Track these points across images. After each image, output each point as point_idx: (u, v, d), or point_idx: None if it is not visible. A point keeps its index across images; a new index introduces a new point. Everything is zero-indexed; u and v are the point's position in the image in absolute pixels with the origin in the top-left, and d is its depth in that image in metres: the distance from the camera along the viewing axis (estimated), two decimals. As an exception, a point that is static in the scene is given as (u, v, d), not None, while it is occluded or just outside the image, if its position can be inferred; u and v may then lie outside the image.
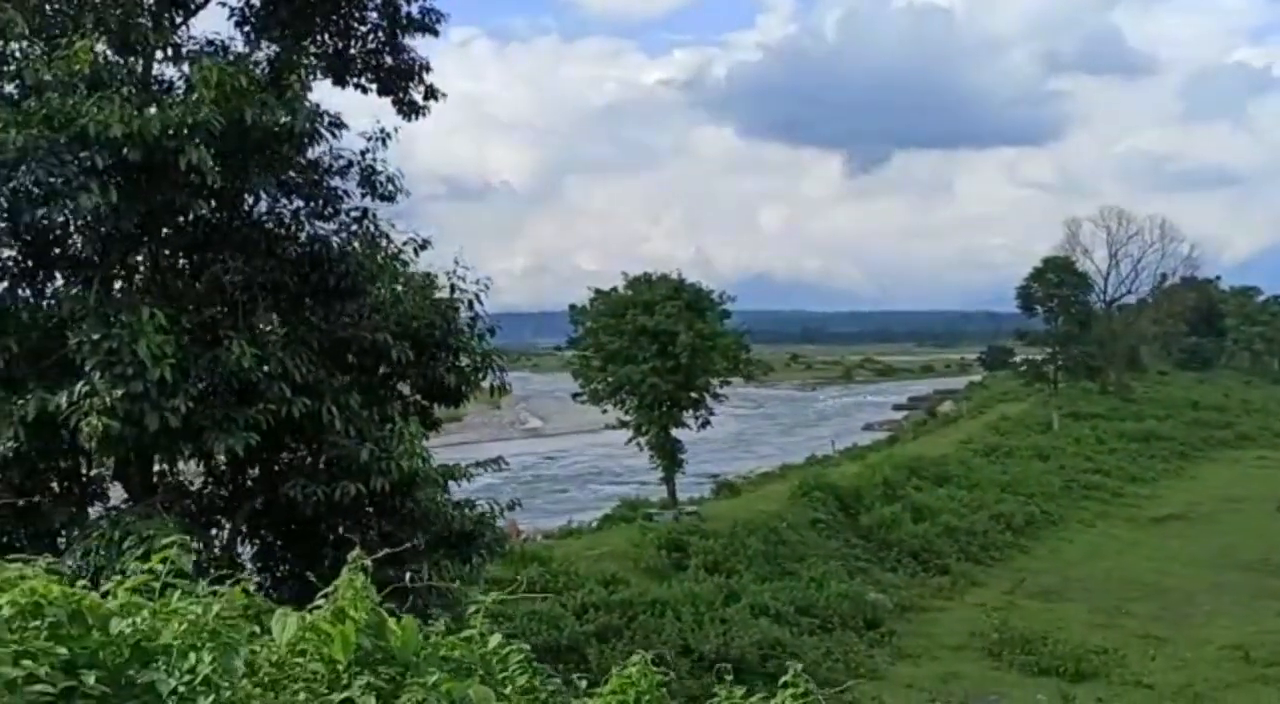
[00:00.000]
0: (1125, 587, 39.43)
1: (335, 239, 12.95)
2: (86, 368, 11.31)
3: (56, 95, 11.05)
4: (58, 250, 12.19)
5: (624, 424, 45.89)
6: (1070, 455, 66.02)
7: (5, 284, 12.25)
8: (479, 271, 14.26)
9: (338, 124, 13.86)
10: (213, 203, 12.52)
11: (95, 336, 11.45)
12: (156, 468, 13.37)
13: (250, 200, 12.89)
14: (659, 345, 43.37)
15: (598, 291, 45.37)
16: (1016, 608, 36.09)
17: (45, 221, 10.98)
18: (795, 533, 41.20)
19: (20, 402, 11.72)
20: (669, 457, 45.55)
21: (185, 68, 12.54)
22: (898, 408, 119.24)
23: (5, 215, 10.96)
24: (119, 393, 11.03)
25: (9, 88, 11.83)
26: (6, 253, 11.97)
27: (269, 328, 12.73)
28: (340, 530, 14.00)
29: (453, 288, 14.27)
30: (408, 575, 14.07)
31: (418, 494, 13.76)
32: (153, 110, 11.34)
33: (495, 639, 4.57)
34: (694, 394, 45.53)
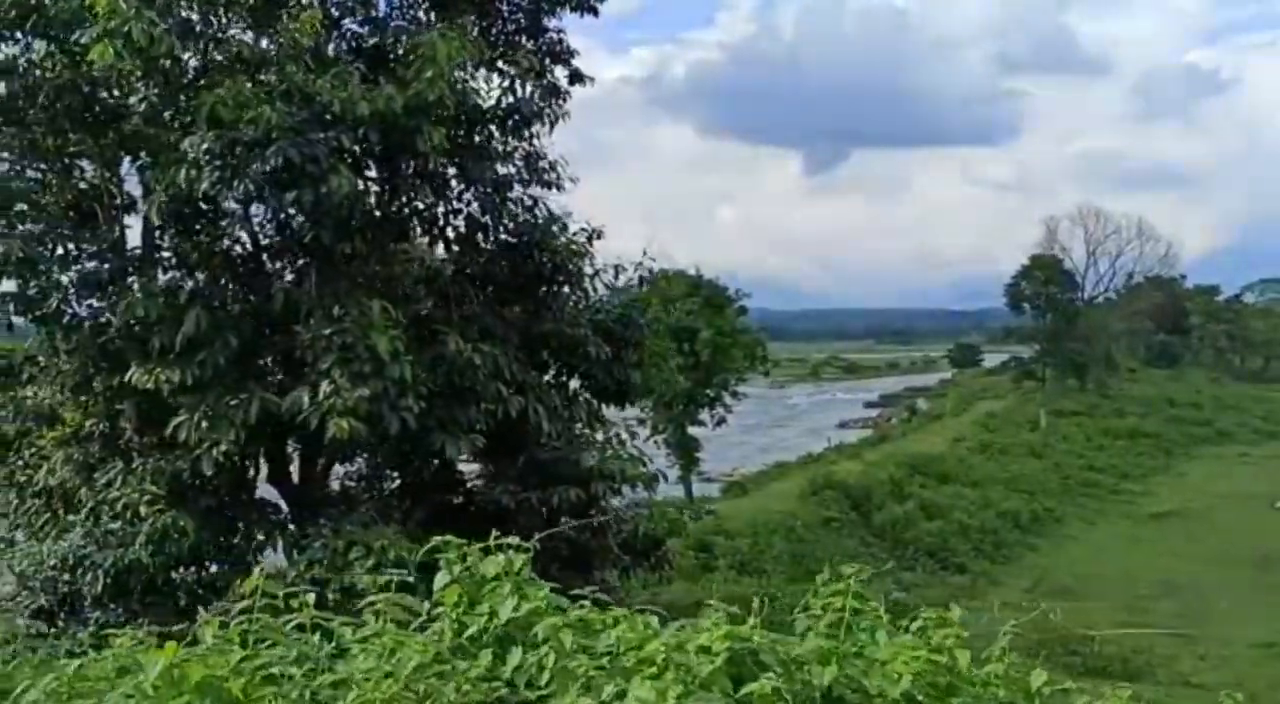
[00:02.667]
0: (1139, 584, 39.91)
1: (545, 226, 12.14)
2: (322, 366, 10.45)
3: (294, 69, 10.13)
4: (277, 239, 11.21)
5: (641, 422, 45.38)
6: (1062, 453, 66.94)
7: (228, 275, 11.29)
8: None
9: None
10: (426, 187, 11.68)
11: (326, 331, 10.58)
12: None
13: (458, 185, 12.05)
14: (678, 342, 42.92)
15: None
16: (1037, 606, 36.32)
17: (293, 207, 10.05)
18: (810, 533, 41.10)
19: (234, 402, 10.80)
20: (687, 455, 45.09)
21: (392, 41, 11.62)
22: (869, 405, 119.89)
23: (249, 200, 9.98)
24: (361, 392, 10.18)
25: (218, 57, 10.86)
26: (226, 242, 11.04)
27: (482, 322, 11.94)
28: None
29: (641, 281, 13.53)
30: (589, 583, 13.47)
31: (613, 499, 13.08)
32: (390, 87, 10.46)
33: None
34: (711, 392, 45.14)
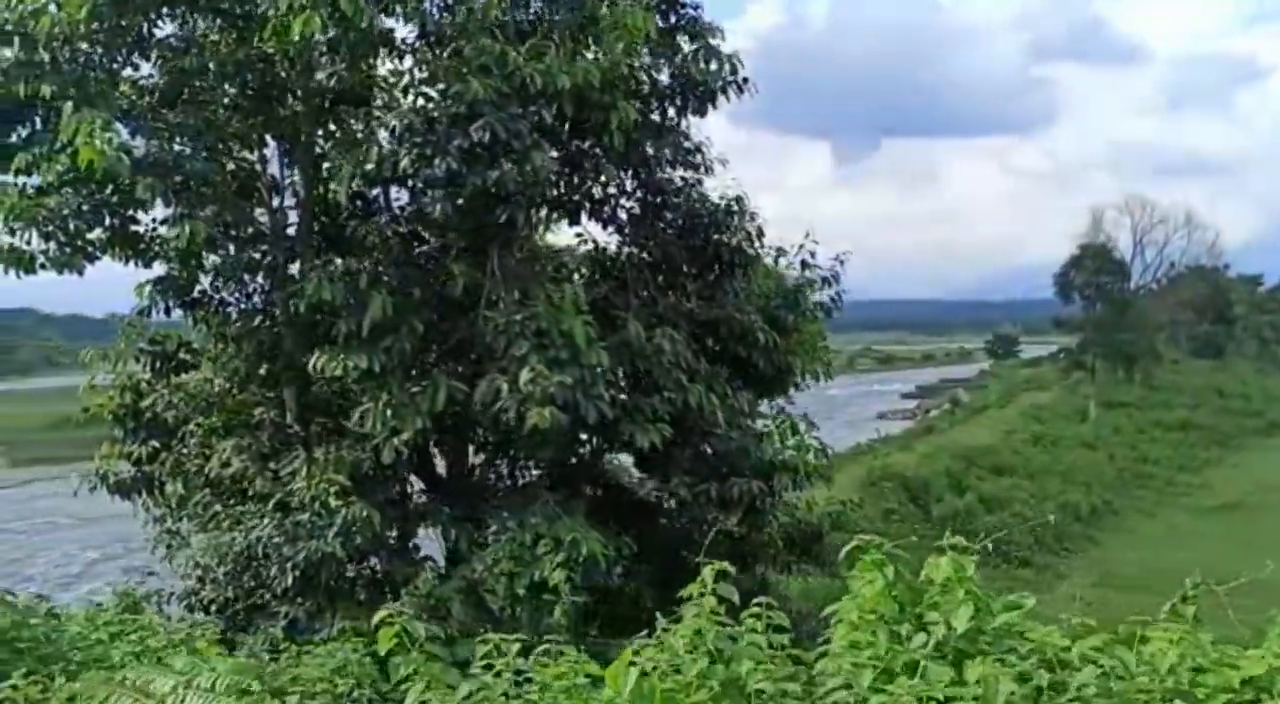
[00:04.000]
0: (1210, 579, 39.33)
1: (723, 208, 11.67)
2: (515, 352, 10.04)
3: (489, 42, 9.70)
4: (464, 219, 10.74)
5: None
6: (1115, 445, 66.27)
7: (405, 257, 10.90)
8: (827, 249, 13.01)
9: None
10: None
11: (518, 316, 10.16)
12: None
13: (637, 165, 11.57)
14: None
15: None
16: (1109, 601, 35.91)
17: (493, 186, 9.61)
18: (871, 525, 40.74)
19: (416, 390, 10.41)
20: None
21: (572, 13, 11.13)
22: (906, 396, 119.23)
23: (448, 180, 9.55)
24: (565, 379, 9.77)
25: (403, 31, 10.45)
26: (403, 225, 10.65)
27: (660, 307, 11.51)
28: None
29: (804, 265, 13.03)
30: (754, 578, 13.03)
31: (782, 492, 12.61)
32: (585, 60, 10.01)
33: None
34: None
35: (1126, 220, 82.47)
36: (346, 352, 10.31)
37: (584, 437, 12.63)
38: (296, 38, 9.19)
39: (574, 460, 12.74)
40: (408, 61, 11.30)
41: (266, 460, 11.20)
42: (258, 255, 11.68)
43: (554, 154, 10.60)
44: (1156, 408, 74.88)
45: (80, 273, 11.32)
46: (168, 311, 12.42)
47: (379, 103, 11.06)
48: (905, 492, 44.47)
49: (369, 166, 10.07)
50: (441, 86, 9.70)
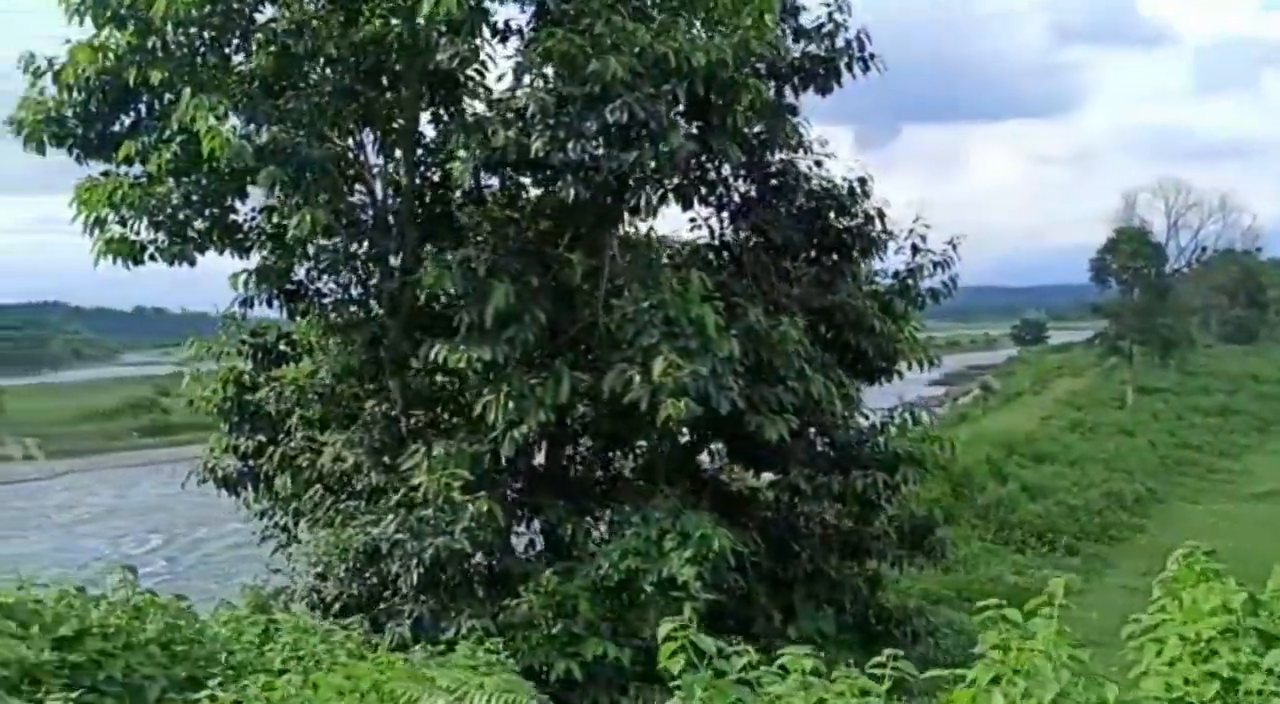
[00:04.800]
0: (1264, 569, 38.77)
1: (847, 190, 11.28)
2: (644, 342, 9.72)
3: (619, 19, 9.34)
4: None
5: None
6: (1155, 431, 65.55)
7: (519, 244, 10.57)
8: (937, 233, 12.57)
9: None
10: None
11: (645, 303, 9.83)
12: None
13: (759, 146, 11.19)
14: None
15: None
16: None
17: (631, 170, 9.27)
18: (924, 515, 40.34)
19: (537, 382, 10.10)
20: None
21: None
22: (934, 383, 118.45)
23: (580, 164, 9.22)
24: (699, 369, 9.46)
25: (509, 11, 10.11)
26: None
27: (776, 293, 11.16)
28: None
29: (914, 249, 12.62)
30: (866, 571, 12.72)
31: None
32: (717, 37, 9.63)
33: None
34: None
35: (1160, 204, 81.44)
36: (468, 343, 10.02)
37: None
38: (423, 19, 8.87)
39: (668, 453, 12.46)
40: (512, 43, 10.98)
41: (379, 455, 10.94)
42: (364, 245, 11.38)
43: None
44: (1194, 394, 74.06)
45: (191, 263, 11.08)
46: (269, 303, 12.18)
47: (499, 86, 10.70)
48: (947, 481, 44.05)
49: (493, 151, 9.74)
50: (568, 68, 9.33)
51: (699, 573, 9.87)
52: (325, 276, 12.60)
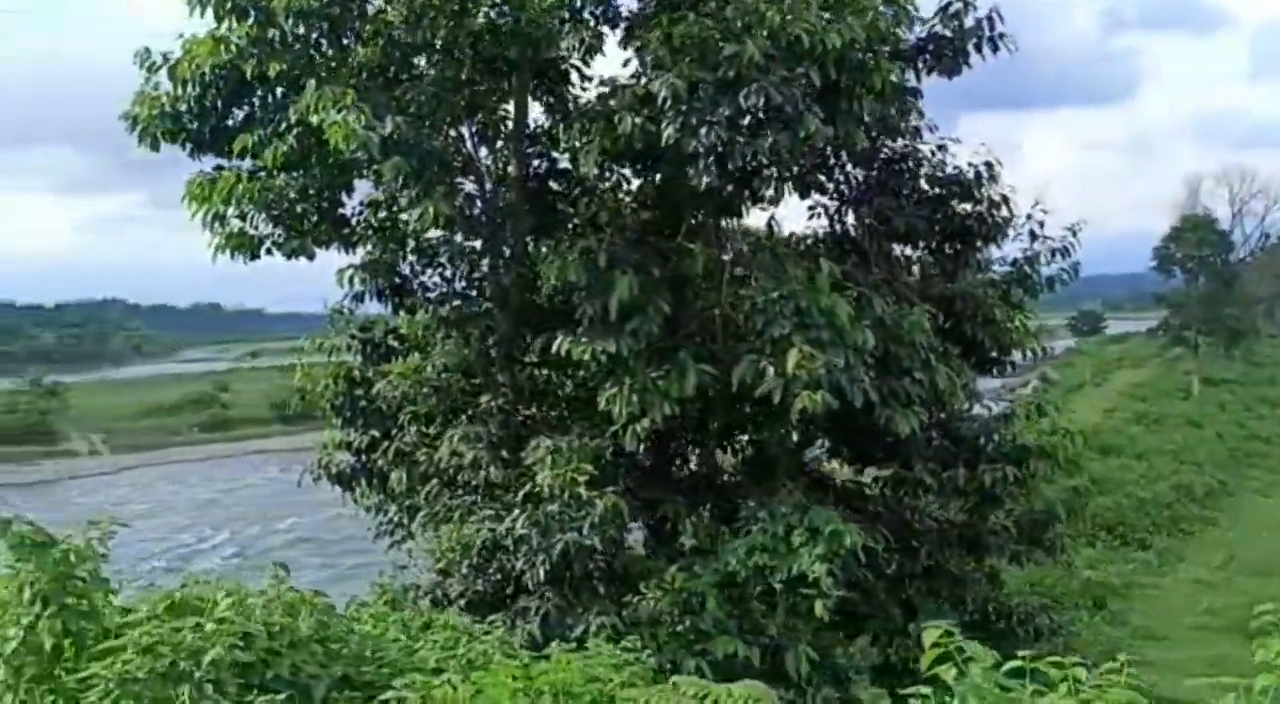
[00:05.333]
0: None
1: (975, 174, 10.91)
2: (774, 333, 9.47)
3: (751, 1, 9.07)
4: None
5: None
6: (1222, 423, 64.07)
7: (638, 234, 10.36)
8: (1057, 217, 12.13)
9: None
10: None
11: (774, 293, 9.58)
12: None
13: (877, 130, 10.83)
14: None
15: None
16: (1234, 584, 34.63)
17: (765, 156, 9.02)
18: (984, 509, 39.61)
19: (658, 375, 9.89)
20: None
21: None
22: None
23: (710, 151, 8.97)
24: (835, 361, 9.20)
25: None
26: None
27: (897, 282, 10.85)
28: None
29: (1032, 235, 12.21)
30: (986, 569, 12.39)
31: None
32: (849, 17, 9.31)
33: None
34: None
35: (1224, 191, 79.46)
36: (590, 335, 9.84)
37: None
38: (541, 8, 8.69)
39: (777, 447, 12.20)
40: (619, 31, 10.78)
41: (497, 449, 10.81)
42: (474, 237, 11.25)
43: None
44: (1260, 384, 72.28)
45: (310, 257, 11.04)
46: (379, 297, 12.13)
47: (606, 73, 10.47)
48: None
49: (617, 139, 9.54)
50: (698, 52, 9.08)
51: (830, 570, 9.61)
52: (430, 270, 12.54)
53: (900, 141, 11.06)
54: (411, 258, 12.20)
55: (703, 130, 8.86)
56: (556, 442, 10.07)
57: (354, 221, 12.04)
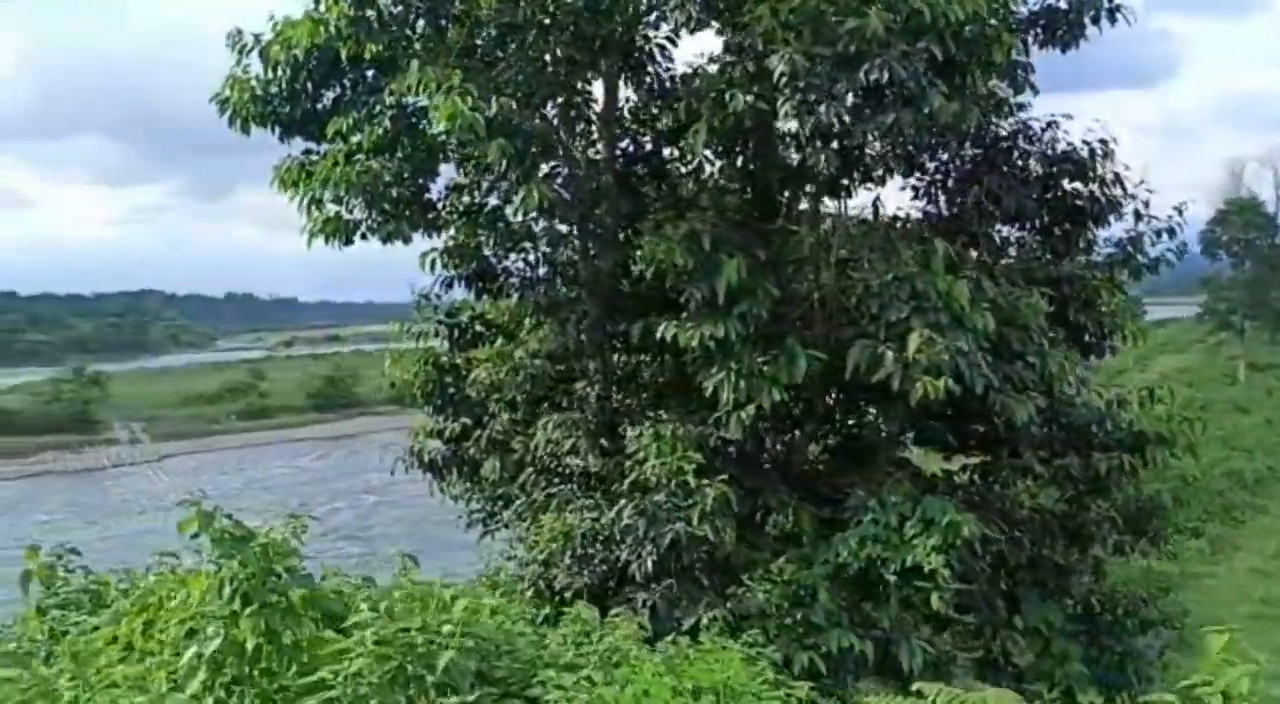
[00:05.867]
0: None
1: (1089, 152, 10.52)
2: (890, 316, 9.18)
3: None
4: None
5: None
6: (1271, 408, 62.91)
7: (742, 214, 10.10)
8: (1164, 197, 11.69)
9: None
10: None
11: (889, 276, 9.27)
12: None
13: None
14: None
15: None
16: None
17: (889, 134, 8.70)
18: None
19: (764, 360, 9.61)
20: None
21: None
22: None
23: (830, 127, 8.65)
24: (959, 345, 8.89)
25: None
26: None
27: (1004, 264, 10.51)
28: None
29: (1137, 215, 11.79)
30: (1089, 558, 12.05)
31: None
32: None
33: None
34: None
35: (1268, 174, 77.83)
36: (697, 320, 9.57)
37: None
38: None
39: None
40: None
41: (595, 437, 10.58)
42: (566, 221, 11.01)
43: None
44: (1307, 369, 70.96)
45: (406, 241, 10.85)
46: (464, 283, 11.95)
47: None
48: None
49: (727, 117, 9.24)
50: (814, 26, 8.74)
51: (948, 561, 9.33)
52: (515, 255, 12.33)
53: (1010, 118, 10.67)
54: (494, 243, 12.01)
55: (821, 107, 8.53)
56: (659, 429, 9.82)
57: (439, 206, 11.85)
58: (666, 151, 12.00)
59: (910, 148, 9.66)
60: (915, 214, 10.96)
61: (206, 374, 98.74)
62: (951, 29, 8.84)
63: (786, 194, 10.71)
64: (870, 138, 8.82)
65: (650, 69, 11.45)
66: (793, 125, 8.72)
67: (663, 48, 11.63)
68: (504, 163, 9.33)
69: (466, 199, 12.13)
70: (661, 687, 5.83)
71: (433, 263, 11.99)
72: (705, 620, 9.28)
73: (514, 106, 9.45)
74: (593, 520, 9.76)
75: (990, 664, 11.62)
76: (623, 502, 9.65)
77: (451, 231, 12.04)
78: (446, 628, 4.01)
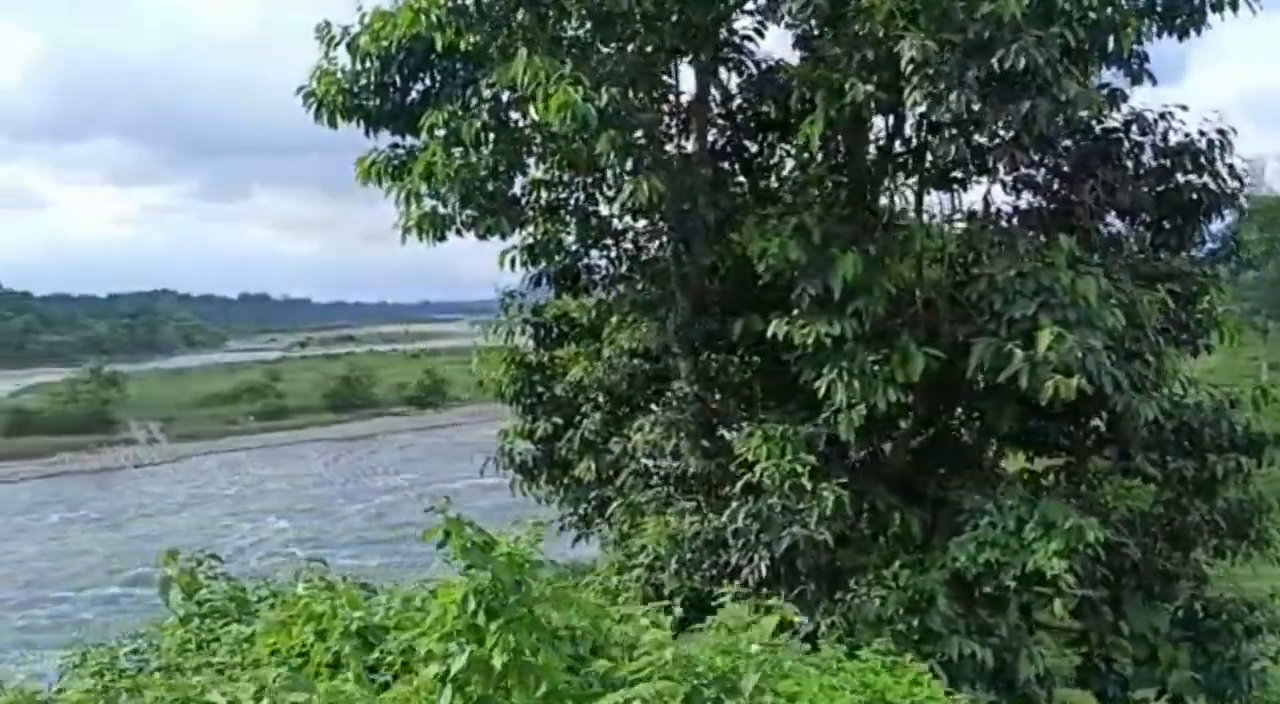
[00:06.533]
0: None
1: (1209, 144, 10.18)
2: (1015, 313, 8.87)
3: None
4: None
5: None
6: (1298, 408, 62.09)
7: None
8: None
9: None
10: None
11: (1012, 271, 8.99)
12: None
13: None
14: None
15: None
16: None
17: (1021, 124, 8.40)
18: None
19: (875, 359, 9.31)
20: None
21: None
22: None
23: (961, 115, 8.35)
24: (1091, 343, 8.59)
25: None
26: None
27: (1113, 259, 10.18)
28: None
29: (1241, 210, 11.45)
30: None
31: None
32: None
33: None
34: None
35: (1292, 169, 77.13)
36: (809, 317, 9.26)
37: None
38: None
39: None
40: None
41: (698, 439, 10.29)
42: (662, 218, 10.72)
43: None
44: (1332, 369, 70.36)
45: (504, 236, 10.59)
46: (553, 281, 11.69)
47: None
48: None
49: (843, 107, 8.94)
50: (937, 11, 8.44)
51: (1071, 567, 9.02)
52: (597, 252, 12.07)
53: (1125, 108, 10.34)
54: (580, 239, 11.76)
55: (951, 95, 8.23)
56: (766, 429, 9.52)
57: (523, 201, 11.59)
58: (754, 145, 11.72)
59: (1032, 138, 9.30)
60: (1018, 208, 10.62)
61: (222, 374, 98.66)
62: (1082, 14, 8.54)
63: (891, 187, 10.41)
64: (999, 127, 8.50)
65: (742, 59, 11.15)
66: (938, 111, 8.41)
67: (749, 38, 11.36)
68: (611, 155, 9.04)
69: (549, 195, 11.88)
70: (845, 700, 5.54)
71: (513, 260, 11.73)
72: (823, 627, 9.01)
73: (620, 98, 9.15)
74: (700, 523, 9.47)
75: (1093, 671, 11.32)
76: (734, 504, 9.36)
77: (530, 228, 11.79)
78: (754, 649, 3.71)
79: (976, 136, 9.01)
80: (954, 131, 8.57)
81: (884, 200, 10.87)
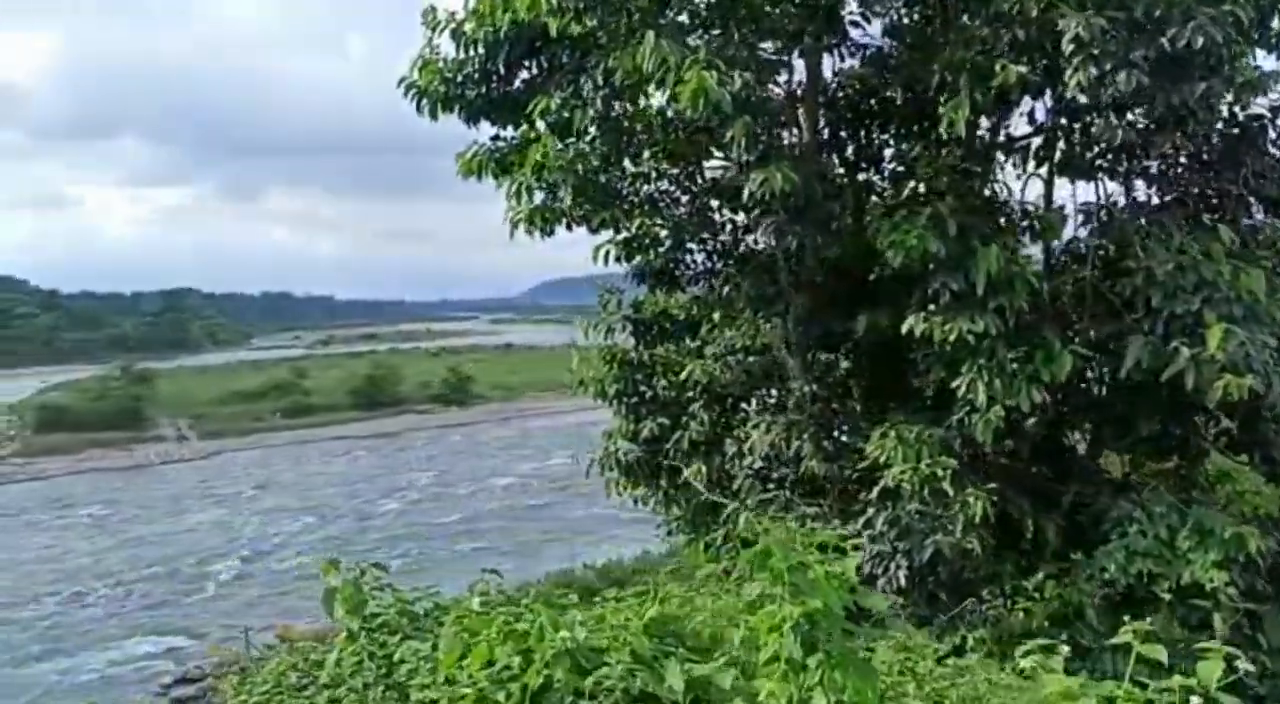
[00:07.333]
0: None
1: None
2: (1176, 308, 8.37)
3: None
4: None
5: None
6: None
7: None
8: None
9: None
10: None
11: (1169, 265, 8.46)
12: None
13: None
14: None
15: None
16: None
17: (1192, 103, 7.89)
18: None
19: (1015, 357, 8.80)
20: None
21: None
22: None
23: (1124, 98, 7.84)
24: (1267, 340, 8.07)
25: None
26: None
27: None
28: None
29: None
30: None
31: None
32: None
33: None
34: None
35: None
36: (949, 313, 8.77)
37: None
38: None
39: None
40: None
41: (819, 440, 9.81)
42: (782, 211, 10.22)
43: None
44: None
45: (618, 229, 10.12)
46: (653, 276, 11.24)
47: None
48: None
49: (988, 90, 8.44)
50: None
51: (1231, 578, 8.51)
52: (694, 245, 11.61)
53: (1270, 95, 9.79)
54: (686, 234, 11.29)
55: (1120, 75, 7.71)
56: (901, 431, 9.04)
57: (625, 194, 11.13)
58: (863, 135, 11.22)
59: (1200, 122, 8.77)
60: (1165, 199, 10.08)
61: (248, 372, 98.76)
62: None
63: (1022, 175, 9.89)
64: (1164, 109, 7.98)
65: (854, 44, 10.66)
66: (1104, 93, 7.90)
67: (855, 24, 10.86)
68: (743, 143, 8.56)
69: (648, 187, 11.42)
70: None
71: (607, 255, 11.28)
72: (971, 641, 8.53)
73: (753, 83, 8.67)
74: (835, 531, 8.95)
75: (1225, 688, 10.77)
76: (870, 511, 8.87)
77: (628, 223, 11.34)
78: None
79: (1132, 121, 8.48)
80: (1113, 116, 8.03)
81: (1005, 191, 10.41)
